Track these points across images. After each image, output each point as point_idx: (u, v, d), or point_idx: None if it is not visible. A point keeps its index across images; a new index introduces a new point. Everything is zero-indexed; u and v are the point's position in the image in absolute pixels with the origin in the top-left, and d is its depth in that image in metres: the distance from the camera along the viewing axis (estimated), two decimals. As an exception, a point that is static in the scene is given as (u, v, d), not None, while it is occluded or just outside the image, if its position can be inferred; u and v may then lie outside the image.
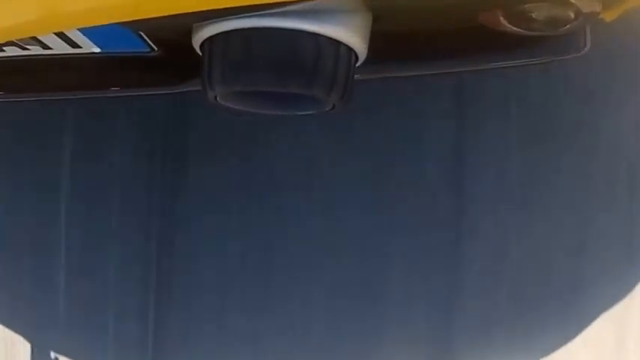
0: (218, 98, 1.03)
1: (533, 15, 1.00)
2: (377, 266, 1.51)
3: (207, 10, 0.86)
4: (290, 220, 1.55)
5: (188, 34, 0.98)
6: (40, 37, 0.93)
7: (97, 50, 1.00)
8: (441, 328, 1.50)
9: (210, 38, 0.97)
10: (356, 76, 1.03)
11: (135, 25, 0.91)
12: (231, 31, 0.95)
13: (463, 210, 1.49)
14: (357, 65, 1.03)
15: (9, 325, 1.61)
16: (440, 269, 1.49)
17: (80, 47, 0.98)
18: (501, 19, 1.01)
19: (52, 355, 1.60)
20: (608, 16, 1.05)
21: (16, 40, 0.93)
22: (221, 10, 0.87)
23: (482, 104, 1.50)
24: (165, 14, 0.84)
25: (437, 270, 1.49)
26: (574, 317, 1.45)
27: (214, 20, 0.94)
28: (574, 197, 1.47)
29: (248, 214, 1.56)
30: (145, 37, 0.98)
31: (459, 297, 1.50)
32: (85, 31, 0.92)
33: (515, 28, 1.02)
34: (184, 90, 1.16)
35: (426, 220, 1.50)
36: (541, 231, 1.48)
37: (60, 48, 0.98)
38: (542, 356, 1.46)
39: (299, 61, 0.97)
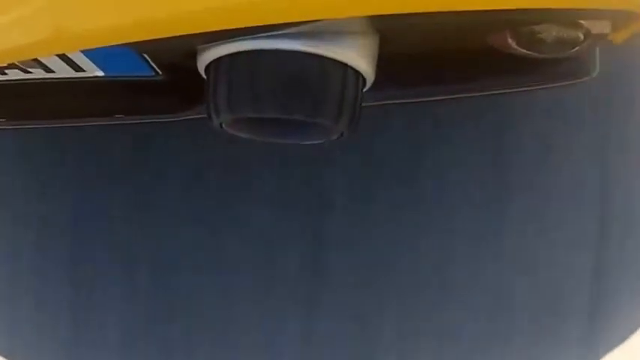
0: (224, 125, 0.99)
1: (542, 36, 0.98)
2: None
3: (211, 32, 0.83)
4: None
5: (193, 57, 0.95)
6: (42, 60, 0.91)
7: (101, 74, 0.97)
8: None
9: (215, 61, 0.93)
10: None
11: (139, 47, 0.89)
12: (235, 53, 0.90)
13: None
14: (364, 90, 1.00)
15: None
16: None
17: (84, 71, 0.96)
18: (510, 40, 0.99)
19: None
20: (618, 38, 1.03)
21: (19, 62, 0.92)
22: (225, 31, 0.84)
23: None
24: (173, 35, 0.81)
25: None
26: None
27: (218, 42, 0.90)
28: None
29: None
30: (149, 60, 0.96)
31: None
32: (89, 54, 0.90)
33: (523, 50, 1.01)
34: (189, 118, 1.15)
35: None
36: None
37: (63, 71, 0.95)
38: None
39: (305, 85, 0.91)
